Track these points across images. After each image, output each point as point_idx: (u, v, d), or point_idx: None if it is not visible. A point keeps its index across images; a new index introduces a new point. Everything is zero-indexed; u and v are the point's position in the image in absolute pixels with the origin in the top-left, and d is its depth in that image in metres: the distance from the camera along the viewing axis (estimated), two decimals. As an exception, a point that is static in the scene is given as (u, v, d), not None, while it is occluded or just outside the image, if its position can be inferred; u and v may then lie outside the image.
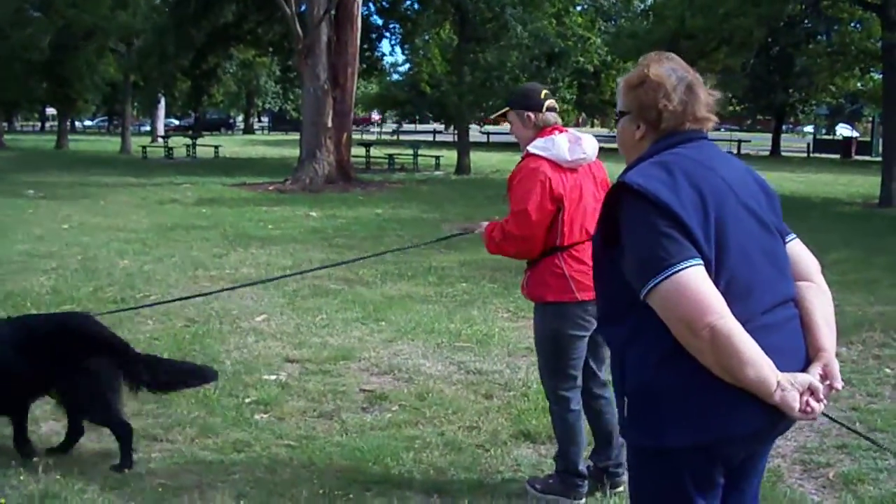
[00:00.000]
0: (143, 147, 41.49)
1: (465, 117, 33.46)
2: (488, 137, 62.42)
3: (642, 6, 58.31)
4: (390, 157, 35.10)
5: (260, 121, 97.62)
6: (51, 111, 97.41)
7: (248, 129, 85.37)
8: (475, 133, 52.02)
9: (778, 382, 2.56)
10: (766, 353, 2.57)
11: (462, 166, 33.00)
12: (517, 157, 5.14)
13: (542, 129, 4.89)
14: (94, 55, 46.71)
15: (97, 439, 5.62)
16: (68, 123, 55.45)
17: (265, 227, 16.32)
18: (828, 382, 2.71)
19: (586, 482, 4.97)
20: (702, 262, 2.58)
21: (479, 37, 32.14)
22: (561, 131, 4.89)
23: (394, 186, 27.10)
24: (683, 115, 2.85)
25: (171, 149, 39.76)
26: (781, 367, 2.60)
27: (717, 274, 2.61)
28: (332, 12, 23.91)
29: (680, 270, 2.55)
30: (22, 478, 5.05)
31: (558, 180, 4.71)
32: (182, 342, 7.88)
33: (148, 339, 7.97)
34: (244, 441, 5.68)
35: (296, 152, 32.25)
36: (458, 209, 20.25)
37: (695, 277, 2.55)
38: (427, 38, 47.06)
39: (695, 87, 2.88)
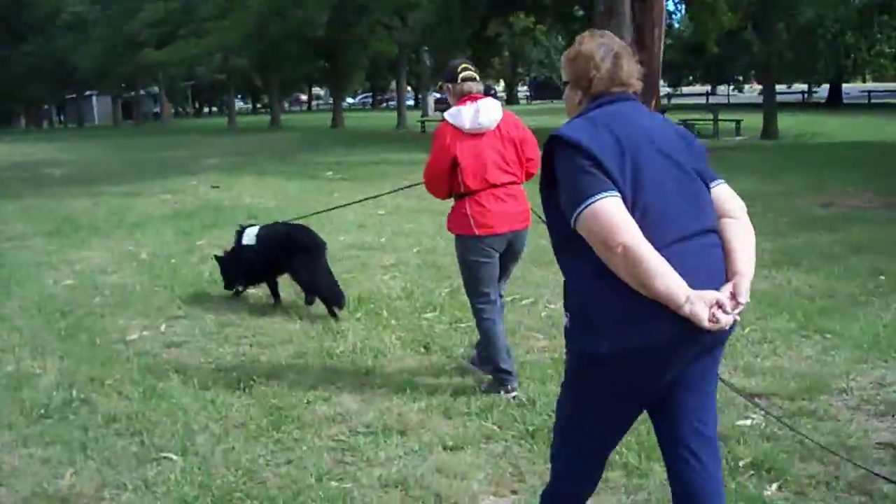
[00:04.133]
0: (421, 122, 41.00)
1: (778, 77, 30.71)
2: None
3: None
4: (683, 122, 32.61)
5: (517, 90, 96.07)
6: (315, 91, 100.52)
7: (511, 100, 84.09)
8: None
9: (687, 297, 2.91)
10: (686, 274, 2.94)
11: (770, 130, 30.56)
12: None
13: (462, 97, 5.92)
14: (366, 31, 46.84)
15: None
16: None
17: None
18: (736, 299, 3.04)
19: (511, 376, 5.97)
20: (618, 194, 3.01)
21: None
22: (473, 100, 5.87)
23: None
24: (610, 81, 3.31)
25: (451, 123, 38.91)
26: (700, 287, 2.95)
27: (633, 205, 3.03)
28: (637, -32, 22.01)
29: (598, 200, 2.99)
30: None
31: (456, 143, 5.80)
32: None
33: (545, 357, 6.56)
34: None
35: (559, 121, 30.71)
36: (800, 179, 17.96)
37: (610, 205, 2.98)
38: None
39: (621, 58, 3.32)
